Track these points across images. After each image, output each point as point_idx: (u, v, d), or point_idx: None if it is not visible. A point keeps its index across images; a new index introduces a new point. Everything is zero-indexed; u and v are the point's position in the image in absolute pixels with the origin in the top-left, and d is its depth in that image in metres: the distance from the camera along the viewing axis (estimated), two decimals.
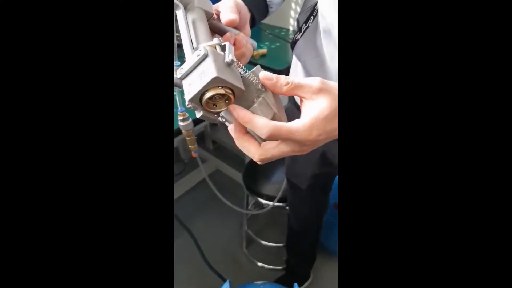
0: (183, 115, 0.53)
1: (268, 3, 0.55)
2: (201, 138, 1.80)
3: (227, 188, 1.56)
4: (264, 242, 1.33)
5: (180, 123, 0.54)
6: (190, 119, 0.54)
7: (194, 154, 0.59)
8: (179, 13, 0.34)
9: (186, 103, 0.31)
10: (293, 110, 0.75)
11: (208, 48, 0.30)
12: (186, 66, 0.31)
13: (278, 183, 1.09)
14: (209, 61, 0.30)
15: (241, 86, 0.31)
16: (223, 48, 0.32)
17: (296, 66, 0.71)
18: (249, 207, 1.40)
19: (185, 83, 0.31)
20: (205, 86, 0.29)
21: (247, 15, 0.43)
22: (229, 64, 0.31)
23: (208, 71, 0.29)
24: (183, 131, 0.55)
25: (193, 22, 0.35)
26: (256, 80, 0.33)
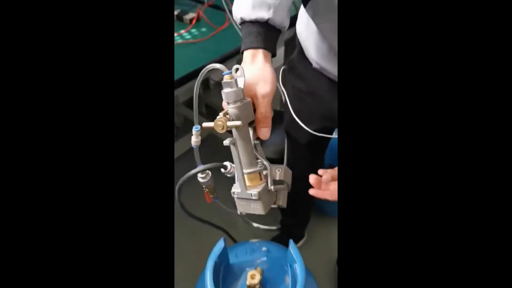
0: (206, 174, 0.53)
1: (282, 32, 0.54)
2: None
3: (221, 153, 1.55)
4: None
5: (200, 180, 0.53)
6: (210, 174, 0.53)
7: (209, 200, 0.58)
8: (234, 150, 0.43)
9: (238, 212, 0.48)
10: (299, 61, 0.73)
11: (260, 193, 0.44)
12: (241, 194, 0.45)
13: (273, 145, 1.08)
14: (259, 204, 0.45)
15: (272, 204, 0.49)
16: (264, 167, 0.46)
17: (307, 25, 0.67)
18: None
19: (237, 200, 0.47)
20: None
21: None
22: (269, 190, 0.47)
23: (257, 209, 0.46)
24: (203, 186, 0.55)
25: (244, 151, 0.44)
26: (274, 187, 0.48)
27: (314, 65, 0.70)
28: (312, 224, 1.24)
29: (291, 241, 0.68)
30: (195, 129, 0.49)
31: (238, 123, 0.41)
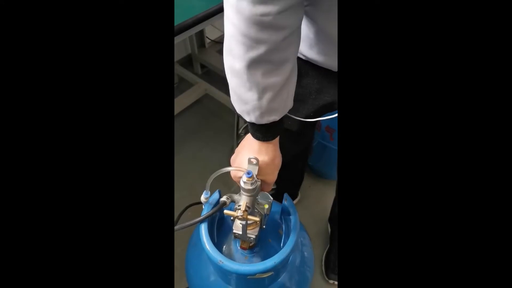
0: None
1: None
2: (189, 61, 1.71)
3: (217, 113, 1.53)
4: None
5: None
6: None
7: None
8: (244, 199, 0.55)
9: (233, 236, 0.63)
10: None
11: (256, 235, 0.59)
12: (241, 236, 0.59)
13: None
14: (254, 240, 0.60)
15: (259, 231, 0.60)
16: (261, 216, 0.57)
17: None
18: (240, 131, 1.39)
19: (235, 228, 0.59)
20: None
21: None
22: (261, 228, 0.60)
23: (252, 240, 0.60)
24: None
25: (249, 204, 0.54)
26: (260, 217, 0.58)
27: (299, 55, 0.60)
28: (305, 184, 1.26)
29: (285, 194, 0.68)
30: (205, 194, 0.61)
31: (257, 219, 0.53)
